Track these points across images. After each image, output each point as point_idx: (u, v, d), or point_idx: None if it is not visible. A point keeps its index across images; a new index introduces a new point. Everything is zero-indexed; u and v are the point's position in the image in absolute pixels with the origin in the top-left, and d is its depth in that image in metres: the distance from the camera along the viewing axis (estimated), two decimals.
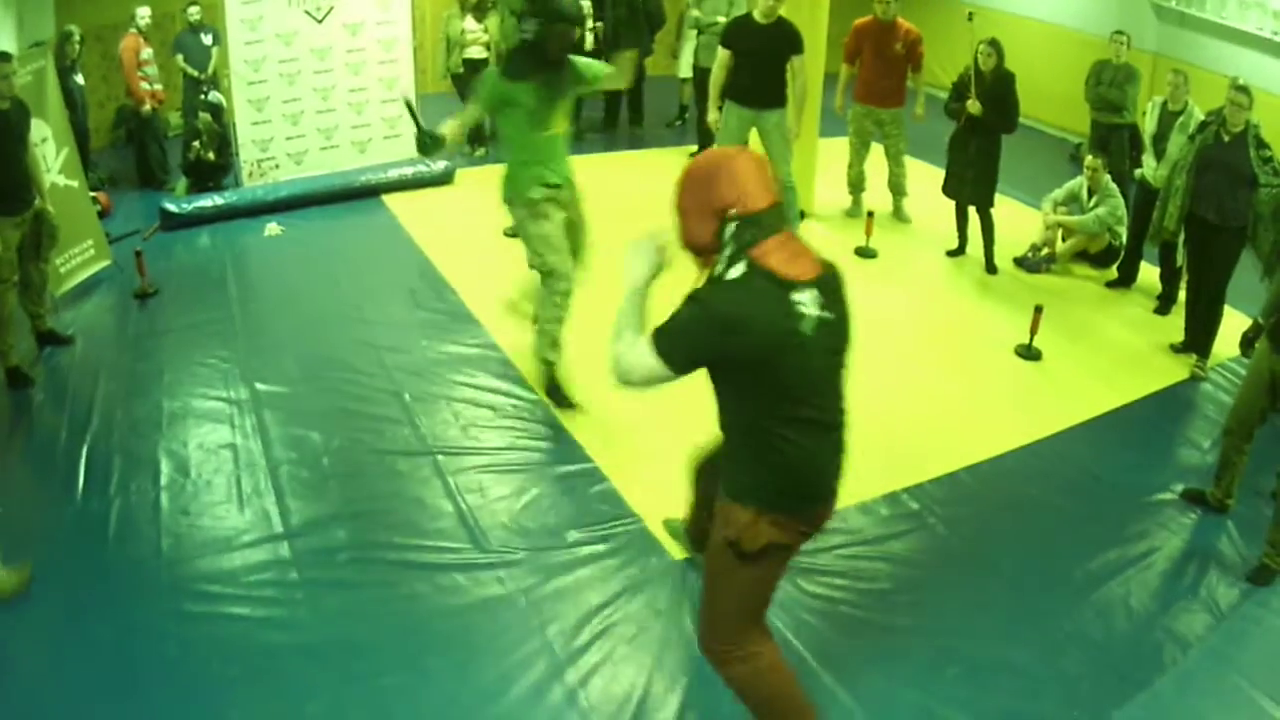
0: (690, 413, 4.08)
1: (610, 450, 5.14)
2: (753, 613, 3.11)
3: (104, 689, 3.62)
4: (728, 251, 2.71)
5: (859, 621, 4.13)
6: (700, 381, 2.87)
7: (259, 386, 5.62)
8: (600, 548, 4.48)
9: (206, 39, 8.89)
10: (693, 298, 2.71)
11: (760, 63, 7.40)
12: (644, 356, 2.73)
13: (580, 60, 5.24)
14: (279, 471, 4.90)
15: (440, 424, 5.37)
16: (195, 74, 8.88)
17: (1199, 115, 6.66)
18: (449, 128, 4.99)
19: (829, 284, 2.81)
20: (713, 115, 7.73)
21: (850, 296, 2.91)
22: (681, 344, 2.71)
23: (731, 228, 2.69)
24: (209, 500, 4.69)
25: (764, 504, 2.84)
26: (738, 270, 2.69)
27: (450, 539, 4.51)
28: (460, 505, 4.73)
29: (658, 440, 5.13)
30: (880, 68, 8.13)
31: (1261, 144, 5.90)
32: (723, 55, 7.54)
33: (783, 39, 7.30)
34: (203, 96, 8.63)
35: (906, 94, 8.32)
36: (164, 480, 4.81)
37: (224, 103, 8.60)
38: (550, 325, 5.40)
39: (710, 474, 3.54)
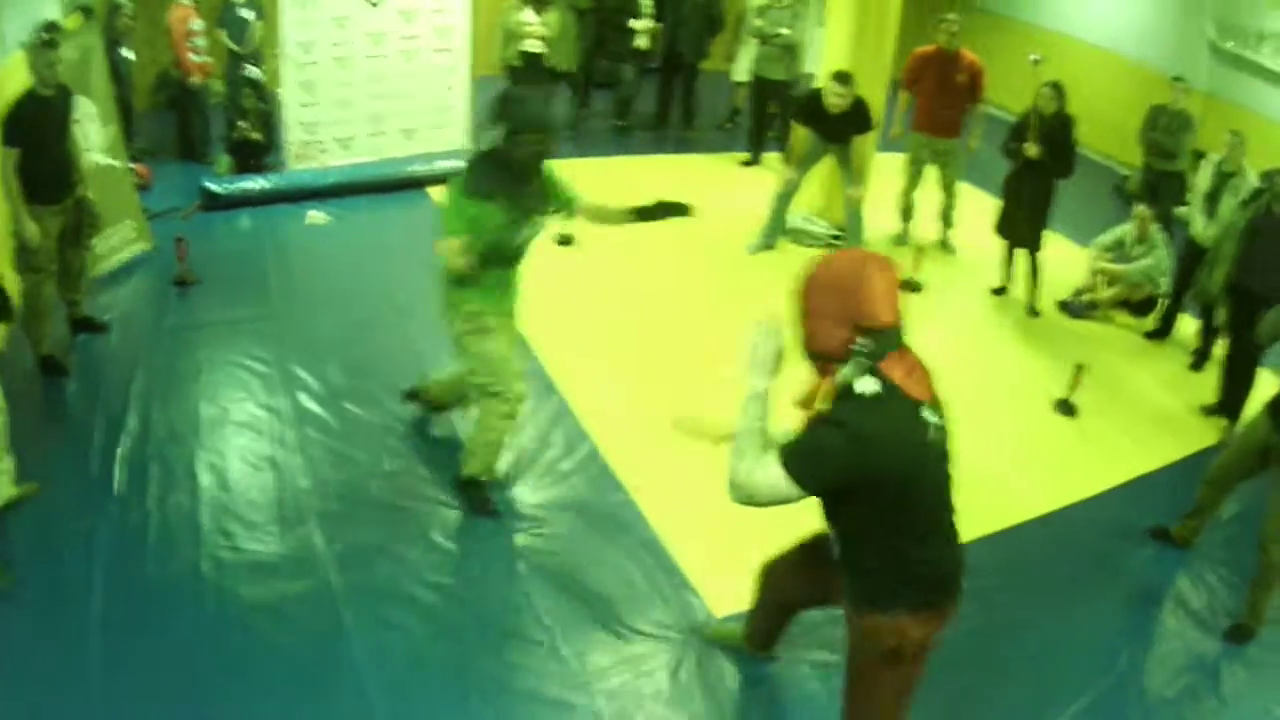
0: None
1: (668, 512, 4.90)
2: (905, 710, 3.10)
3: (139, 714, 3.50)
4: (856, 364, 2.62)
5: None
6: None
7: (301, 397, 5.42)
8: (648, 606, 4.31)
9: (247, 14, 8.63)
10: (832, 420, 2.61)
11: (835, 136, 7.59)
12: (775, 479, 2.64)
13: (558, 178, 4.45)
14: (323, 493, 4.73)
15: None
16: (235, 48, 8.63)
17: (1253, 180, 6.58)
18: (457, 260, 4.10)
19: (939, 401, 2.80)
20: (790, 175, 7.85)
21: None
22: (820, 467, 2.62)
23: (864, 340, 2.59)
24: (251, 521, 4.51)
25: (910, 607, 2.84)
26: (871, 386, 2.60)
27: (497, 583, 4.35)
28: (511, 546, 4.57)
29: (710, 503, 4.96)
30: (943, 98, 8.00)
31: None
32: (800, 131, 7.72)
33: (852, 125, 7.47)
34: (242, 72, 8.41)
35: (965, 124, 8.17)
36: (203, 495, 4.62)
37: (262, 78, 8.39)
38: (484, 448, 4.67)
39: (784, 578, 3.55)
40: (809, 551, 3.34)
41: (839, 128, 7.44)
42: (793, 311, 2.73)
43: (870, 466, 2.59)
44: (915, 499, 2.71)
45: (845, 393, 2.63)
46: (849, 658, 3.07)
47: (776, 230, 8.02)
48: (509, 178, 4.16)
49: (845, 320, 2.60)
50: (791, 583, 3.49)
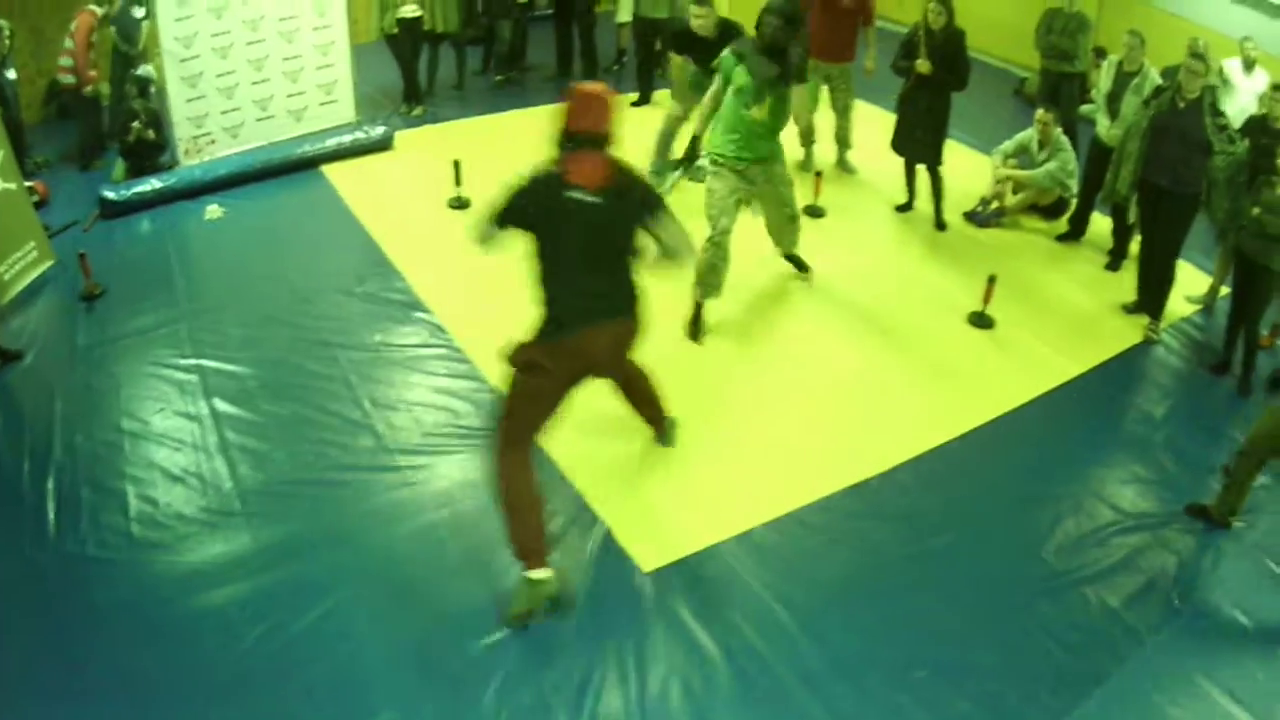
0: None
1: (575, 456, 5.17)
2: (524, 423, 4.14)
3: None
4: (557, 152, 3.94)
5: (824, 625, 4.27)
6: None
7: (216, 401, 5.56)
8: (570, 559, 4.55)
9: (138, 13, 8.55)
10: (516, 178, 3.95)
11: (711, 62, 7.44)
12: (480, 217, 4.00)
13: (786, 99, 5.79)
14: (248, 498, 4.90)
15: (403, 433, 5.38)
16: (126, 49, 8.54)
17: (1154, 78, 6.72)
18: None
19: (611, 192, 3.92)
20: (675, 110, 7.96)
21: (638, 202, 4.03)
22: (497, 205, 3.94)
23: (559, 136, 3.93)
24: (183, 533, 4.68)
25: (540, 333, 4.05)
26: (547, 165, 3.92)
27: (425, 563, 4.58)
28: (433, 523, 4.78)
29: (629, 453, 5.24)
30: (830, 22, 8.03)
31: (1216, 112, 5.96)
32: (678, 60, 7.76)
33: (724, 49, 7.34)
34: (135, 71, 8.35)
35: (857, 48, 8.21)
36: (134, 512, 4.79)
37: (153, 76, 8.35)
38: (700, 269, 5.96)
39: None
40: None
41: (713, 54, 7.27)
42: None
43: (514, 208, 3.90)
44: (547, 249, 3.95)
45: (532, 169, 3.93)
46: None
47: (665, 166, 8.01)
48: (757, 48, 5.67)
49: (560, 120, 3.92)
50: None
